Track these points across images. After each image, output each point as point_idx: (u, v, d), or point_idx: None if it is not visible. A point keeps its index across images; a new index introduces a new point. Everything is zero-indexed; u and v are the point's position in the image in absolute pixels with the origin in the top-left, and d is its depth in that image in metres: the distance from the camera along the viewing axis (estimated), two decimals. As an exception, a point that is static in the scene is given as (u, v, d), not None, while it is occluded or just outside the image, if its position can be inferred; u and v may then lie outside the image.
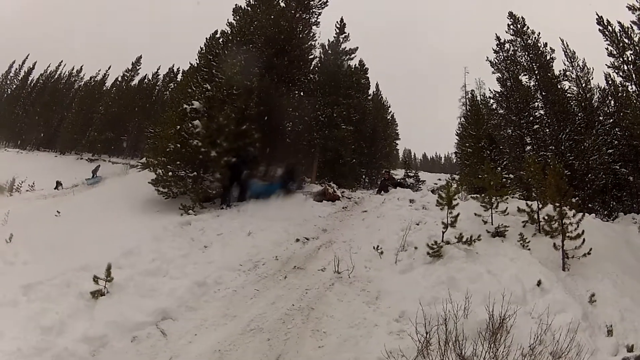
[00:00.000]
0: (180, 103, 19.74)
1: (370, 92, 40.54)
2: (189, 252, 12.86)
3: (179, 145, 17.49)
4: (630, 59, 23.45)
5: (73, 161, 57.29)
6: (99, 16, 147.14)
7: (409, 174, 38.59)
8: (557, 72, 27.13)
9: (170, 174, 17.83)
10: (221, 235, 14.26)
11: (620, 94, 24.69)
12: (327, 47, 31.12)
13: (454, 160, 57.60)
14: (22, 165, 44.07)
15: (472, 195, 16.96)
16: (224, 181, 18.42)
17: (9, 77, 74.48)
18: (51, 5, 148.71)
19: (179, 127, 17.78)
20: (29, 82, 73.07)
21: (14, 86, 74.14)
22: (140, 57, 68.02)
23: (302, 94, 27.75)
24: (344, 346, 8.12)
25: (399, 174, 40.22)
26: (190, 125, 17.77)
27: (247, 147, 19.46)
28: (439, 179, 41.21)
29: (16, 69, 74.12)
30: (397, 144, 50.19)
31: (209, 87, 19.35)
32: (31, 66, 73.25)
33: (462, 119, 38.53)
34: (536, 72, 27.40)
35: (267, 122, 22.73)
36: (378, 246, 12.56)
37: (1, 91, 74.17)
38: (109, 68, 70.29)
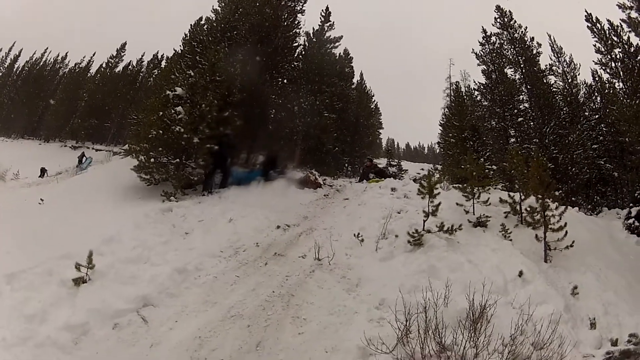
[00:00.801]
0: (163, 89, 19.63)
1: (355, 81, 40.46)
2: (170, 239, 12.84)
3: (161, 132, 17.42)
4: (618, 56, 23.54)
5: (57, 149, 56.94)
6: (98, 16, 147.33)
7: (392, 162, 38.67)
8: (543, 67, 27.38)
9: (152, 160, 17.74)
10: (202, 222, 14.22)
11: (607, 91, 24.88)
12: (311, 35, 31.16)
13: (437, 151, 57.79)
14: (6, 153, 43.79)
15: (455, 185, 17.01)
16: (206, 168, 18.34)
17: None
18: (50, 5, 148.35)
19: (161, 113, 17.69)
20: (14, 70, 72.90)
21: (0, 74, 74.09)
22: (125, 43, 67.34)
23: (285, 81, 27.78)
24: (323, 333, 8.12)
25: (381, 162, 40.25)
26: (173, 111, 17.68)
27: (229, 134, 19.42)
28: (422, 169, 41.28)
29: (2, 57, 73.73)
30: (380, 133, 50.19)
31: (192, 74, 19.27)
32: (17, 53, 72.93)
33: (446, 109, 38.58)
34: (522, 65, 27.58)
35: (249, 109, 22.70)
36: (359, 234, 12.55)
37: None
38: (93, 54, 70.10)
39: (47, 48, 72.74)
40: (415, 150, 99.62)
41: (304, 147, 28.77)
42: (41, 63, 71.03)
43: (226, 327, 8.75)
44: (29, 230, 13.71)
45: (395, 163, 39.02)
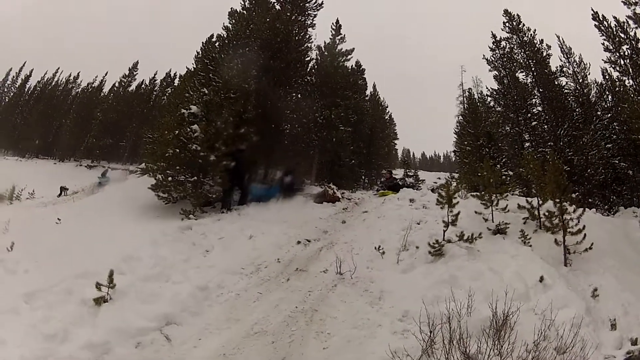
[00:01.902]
0: (178, 108, 19.72)
1: (368, 92, 40.43)
2: (190, 257, 12.90)
3: (177, 150, 17.51)
4: (626, 53, 23.46)
5: (72, 168, 57.25)
6: (99, 25, 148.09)
7: (409, 173, 38.56)
8: (553, 69, 27.16)
9: (169, 179, 17.89)
10: (222, 239, 14.26)
11: (617, 89, 24.73)
12: (323, 48, 31.08)
13: (453, 159, 57.50)
14: (21, 173, 43.90)
15: (472, 194, 17.01)
16: (224, 185, 18.40)
17: (6, 85, 74.54)
18: (50, 13, 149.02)
19: (177, 131, 17.79)
20: (26, 89, 73.14)
21: (11, 94, 74.53)
22: (137, 62, 67.84)
23: (299, 96, 27.84)
24: (348, 347, 8.12)
25: (398, 173, 40.12)
26: (188, 129, 17.78)
27: (246, 151, 19.51)
28: (439, 178, 41.06)
29: (13, 76, 73.89)
30: (395, 144, 49.92)
31: (206, 91, 19.38)
32: (28, 73, 73.20)
33: (460, 117, 38.31)
34: (533, 69, 27.39)
35: (265, 125, 22.77)
36: (379, 246, 12.58)
37: None
38: (105, 74, 70.28)
39: (58, 68, 72.82)
40: (431, 159, 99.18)
41: (320, 161, 28.91)
42: (53, 83, 71.19)
43: (250, 343, 8.74)
44: (47, 249, 13.72)
45: (412, 173, 38.86)
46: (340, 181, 26.89)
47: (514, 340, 6.76)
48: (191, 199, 17.69)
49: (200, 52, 28.71)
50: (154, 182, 18.05)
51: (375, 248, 12.58)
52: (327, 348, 8.24)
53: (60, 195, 30.71)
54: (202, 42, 29.73)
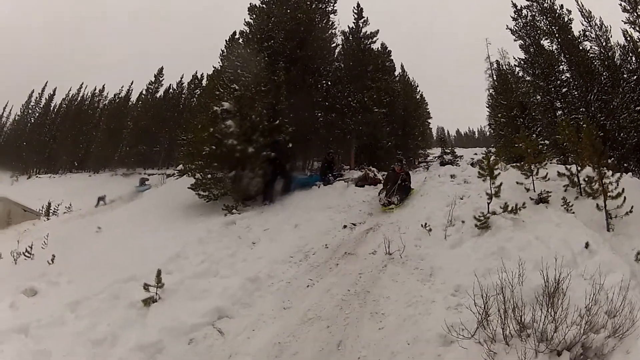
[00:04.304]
0: (209, 106, 19.87)
1: (396, 74, 40.82)
2: (237, 250, 12.99)
3: (214, 147, 17.69)
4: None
5: (108, 178, 58.09)
6: (118, 36, 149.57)
7: (446, 151, 38.39)
8: (576, 34, 27.03)
9: (209, 176, 18.14)
10: (267, 231, 14.42)
11: (639, 50, 24.58)
12: (348, 33, 31.24)
13: (488, 134, 57.26)
14: (56, 189, 44.66)
15: (512, 165, 17.00)
16: (264, 177, 18.63)
17: (29, 106, 76.49)
18: (67, 26, 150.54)
19: (212, 129, 17.93)
20: (51, 108, 74.80)
21: (37, 114, 75.82)
22: (162, 68, 69.52)
23: (329, 83, 27.98)
24: (403, 326, 8.13)
25: (435, 152, 40.11)
26: (223, 126, 17.90)
27: (283, 142, 19.66)
28: (475, 154, 40.63)
29: (36, 97, 76.47)
30: (429, 123, 49.95)
31: (236, 87, 19.56)
32: (52, 92, 75.42)
33: (491, 90, 38.22)
34: (556, 35, 27.25)
35: (299, 115, 22.93)
36: (426, 224, 12.66)
37: (24, 121, 76.11)
38: (131, 83, 71.63)
39: (82, 83, 74.67)
40: (466, 135, 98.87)
41: (358, 146, 29.10)
42: (79, 98, 72.81)
43: (305, 330, 8.79)
44: (89, 259, 14.00)
45: (449, 151, 38.70)
46: (379, 164, 26.88)
47: (566, 305, 6.77)
48: (232, 194, 17.96)
49: (225, 50, 29.09)
50: (194, 182, 18.32)
51: (422, 225, 12.66)
52: (382, 328, 8.27)
53: (98, 205, 30.97)
54: (225, 40, 30.28)
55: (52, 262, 14.17)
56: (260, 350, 8.41)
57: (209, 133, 17.92)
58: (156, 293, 10.33)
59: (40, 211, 33.12)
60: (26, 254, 15.34)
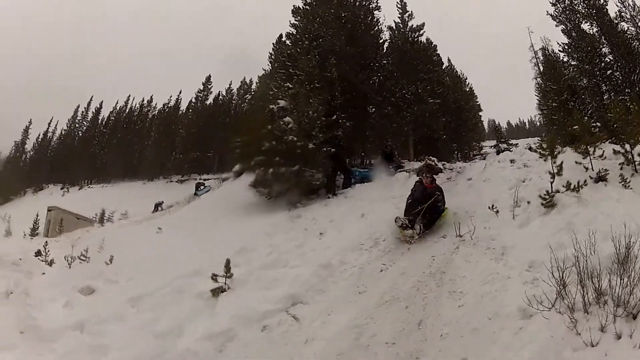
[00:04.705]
0: (264, 107, 20.22)
1: (444, 68, 40.64)
2: (305, 241, 13.24)
3: (274, 143, 18.03)
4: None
5: (163, 185, 58.89)
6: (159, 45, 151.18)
7: (501, 141, 38.32)
8: (613, 15, 26.90)
9: (270, 170, 18.27)
10: (333, 222, 14.65)
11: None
12: (394, 28, 31.42)
13: (538, 124, 56.76)
14: (109, 198, 45.14)
15: (568, 147, 17.10)
16: (326, 171, 18.91)
17: (76, 121, 78.20)
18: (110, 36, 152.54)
19: (270, 126, 18.28)
20: (99, 121, 76.38)
21: (84, 128, 77.69)
22: (210, 76, 70.37)
23: (382, 78, 28.33)
24: (482, 302, 8.28)
25: (489, 144, 40.10)
26: (281, 122, 18.24)
27: (341, 137, 19.97)
28: (528, 143, 40.73)
29: (82, 112, 78.05)
30: (480, 116, 49.53)
31: (290, 85, 19.94)
32: (98, 106, 76.85)
33: (538, 78, 37.96)
34: (595, 17, 27.05)
35: (355, 110, 23.31)
36: (493, 205, 12.83)
37: (72, 135, 77.84)
38: (179, 92, 72.77)
39: (129, 95, 76.14)
40: (517, 127, 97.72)
41: (415, 138, 29.19)
42: (127, 110, 74.20)
43: (383, 312, 8.92)
44: (149, 258, 14.30)
45: (504, 140, 38.55)
46: (436, 155, 26.58)
47: (638, 270, 6.98)
48: (295, 189, 18.21)
49: (273, 53, 29.59)
50: (253, 180, 18.64)
51: (489, 207, 12.80)
52: (462, 306, 8.42)
53: (155, 211, 31.32)
54: (273, 44, 30.83)
55: (110, 262, 14.44)
56: (338, 333, 8.54)
57: (267, 130, 18.24)
58: (225, 283, 10.58)
59: (94, 218, 33.74)
60: (81, 257, 15.39)
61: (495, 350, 6.56)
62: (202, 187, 34.18)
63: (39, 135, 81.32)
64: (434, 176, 16.12)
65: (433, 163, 20.96)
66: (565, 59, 28.83)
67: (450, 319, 8.07)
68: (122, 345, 9.01)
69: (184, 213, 22.02)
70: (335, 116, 20.11)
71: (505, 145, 35.01)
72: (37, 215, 31.87)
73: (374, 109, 27.67)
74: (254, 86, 56.86)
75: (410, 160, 25.86)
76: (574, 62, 27.92)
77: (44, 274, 14.76)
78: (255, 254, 12.70)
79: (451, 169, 21.54)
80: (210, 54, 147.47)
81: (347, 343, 8.20)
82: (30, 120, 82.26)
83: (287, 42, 28.11)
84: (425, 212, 13.40)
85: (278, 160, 18.11)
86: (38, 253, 16.42)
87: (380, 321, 8.67)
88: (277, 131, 18.13)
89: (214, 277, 10.51)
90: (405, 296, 9.35)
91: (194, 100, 69.78)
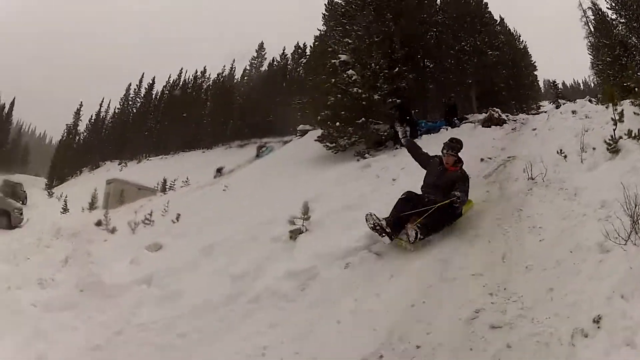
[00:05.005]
0: (324, 64, 20.42)
1: (496, 24, 40.09)
2: (378, 187, 13.56)
3: (339, 96, 18.53)
4: None
5: (222, 152, 60.55)
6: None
7: (559, 95, 37.93)
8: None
9: (337, 124, 18.81)
10: (405, 169, 14.74)
11: None
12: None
13: (592, 84, 56.12)
14: (169, 168, 45.77)
15: (628, 100, 17.12)
16: (392, 123, 19.30)
17: (129, 98, 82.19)
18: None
19: (333, 80, 18.55)
20: (152, 96, 79.27)
21: (139, 104, 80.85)
22: (262, 43, 73.90)
23: (437, 33, 28.50)
24: (562, 236, 8.28)
25: (545, 104, 39.89)
26: (344, 75, 18.57)
27: (405, 89, 20.11)
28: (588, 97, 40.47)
29: (135, 89, 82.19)
30: (536, 75, 48.94)
31: (349, 41, 20.21)
32: (151, 81, 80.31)
33: (590, 37, 37.61)
34: (638, -29, 26.73)
35: (415, 63, 23.52)
36: (561, 150, 12.83)
37: (126, 112, 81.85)
38: (233, 61, 74.82)
39: (181, 69, 78.44)
40: (572, 87, 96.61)
41: (477, 90, 29.76)
42: (180, 83, 75.83)
43: (466, 246, 9.09)
44: (217, 213, 14.90)
45: (562, 97, 38.23)
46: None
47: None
48: (363, 141, 18.71)
49: (326, 14, 29.78)
50: (320, 135, 19.20)
51: (557, 152, 12.80)
52: (543, 240, 8.44)
53: (217, 176, 31.98)
54: (325, 4, 30.95)
55: (177, 220, 15.01)
56: (424, 266, 8.70)
57: (331, 83, 18.58)
58: (302, 225, 10.79)
59: (156, 188, 34.46)
60: (145, 222, 15.82)
61: (579, 281, 6.63)
62: (263, 149, 34.60)
63: (91, 116, 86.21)
64: (459, 156, 11.42)
65: (497, 114, 20.97)
66: (614, 17, 28.56)
67: (532, 253, 8.12)
68: (197, 290, 9.31)
69: (249, 171, 22.61)
70: (397, 69, 20.22)
71: (563, 101, 34.85)
72: (95, 190, 32.66)
73: (432, 64, 27.76)
74: (308, 50, 57.99)
75: (474, 112, 25.98)
76: (623, 20, 27.64)
77: (105, 241, 15.38)
78: (330, 199, 12.99)
79: (515, 120, 21.61)
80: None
81: (434, 276, 8.26)
82: (81, 102, 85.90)
83: (340, 1, 28.11)
84: (432, 214, 9.76)
85: (344, 114, 18.39)
86: (98, 223, 17.16)
87: (464, 254, 8.81)
88: (341, 84, 18.34)
89: (292, 221, 10.79)
90: (486, 232, 9.46)
91: (248, 67, 73.16)
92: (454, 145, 11.18)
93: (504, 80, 31.67)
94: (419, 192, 10.59)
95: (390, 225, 9.48)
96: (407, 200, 10.03)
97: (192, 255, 10.99)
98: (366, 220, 9.54)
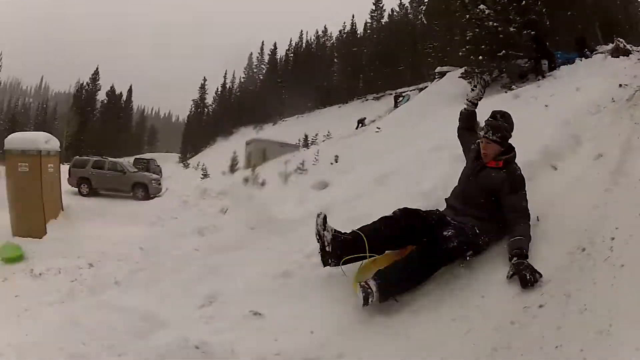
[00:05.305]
0: (447, 5, 20.69)
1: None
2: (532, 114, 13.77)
3: (477, 31, 18.68)
4: None
5: (359, 105, 61.34)
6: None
7: None
8: None
9: (480, 57, 18.79)
10: (554, 96, 14.73)
11: None
12: None
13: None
14: (308, 125, 46.73)
15: None
16: (530, 55, 19.17)
17: (252, 66, 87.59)
18: None
19: (467, 16, 19.00)
20: (277, 61, 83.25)
21: (264, 70, 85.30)
22: (380, -7, 72.56)
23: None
24: None
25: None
26: (477, 10, 18.79)
27: (535, 21, 20.30)
28: None
29: (257, 56, 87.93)
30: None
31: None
32: (273, 47, 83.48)
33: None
34: None
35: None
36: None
37: (253, 80, 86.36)
38: (352, 17, 74.91)
39: (301, 30, 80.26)
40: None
41: (599, 23, 29.08)
42: (303, 45, 77.43)
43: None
44: (375, 150, 15.45)
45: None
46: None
47: None
48: (505, 74, 18.84)
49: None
50: (462, 72, 19.51)
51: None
52: None
53: (358, 127, 33.05)
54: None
55: (336, 161, 15.40)
56: None
57: (466, 19, 18.89)
58: None
59: (297, 144, 35.60)
60: (297, 170, 16.17)
61: None
62: (401, 99, 34.86)
63: (217, 88, 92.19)
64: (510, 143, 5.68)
65: (622, 45, 20.97)
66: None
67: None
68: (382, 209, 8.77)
69: (392, 118, 22.76)
70: (524, 1, 20.40)
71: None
72: (235, 152, 33.97)
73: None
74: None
75: (601, 43, 25.81)
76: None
77: (260, 190, 15.59)
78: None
79: (638, 51, 21.45)
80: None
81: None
82: (205, 77, 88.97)
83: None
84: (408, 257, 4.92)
85: (484, 48, 18.66)
86: (246, 179, 17.36)
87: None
88: (475, 19, 18.64)
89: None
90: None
91: (369, 20, 73.83)
92: (498, 125, 5.17)
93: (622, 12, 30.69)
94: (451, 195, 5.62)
95: (343, 245, 5.04)
96: (394, 221, 5.23)
97: (365, 186, 10.16)
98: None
